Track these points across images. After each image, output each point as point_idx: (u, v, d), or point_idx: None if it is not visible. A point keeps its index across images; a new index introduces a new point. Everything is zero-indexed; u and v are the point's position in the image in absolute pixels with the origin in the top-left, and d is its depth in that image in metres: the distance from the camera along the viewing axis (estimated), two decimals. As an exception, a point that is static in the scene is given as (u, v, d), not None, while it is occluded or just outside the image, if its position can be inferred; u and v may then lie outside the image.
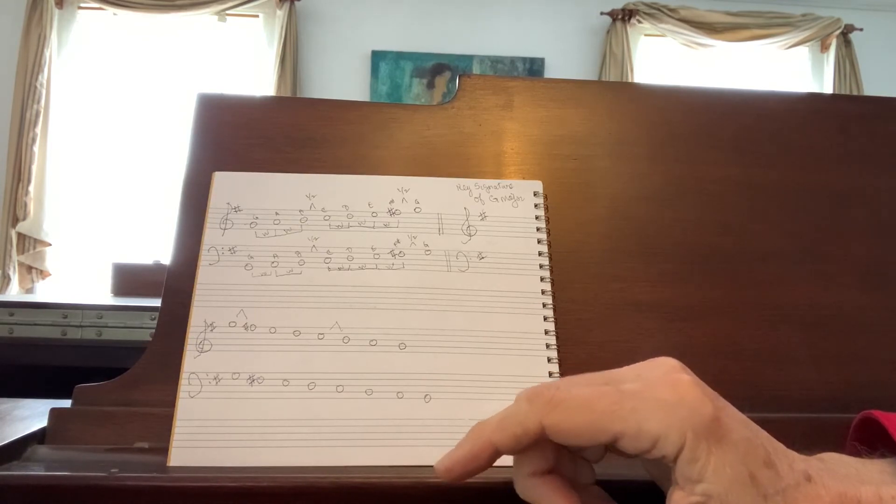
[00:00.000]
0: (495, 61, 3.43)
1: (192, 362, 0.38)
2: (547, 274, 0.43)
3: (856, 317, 0.45)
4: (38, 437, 0.38)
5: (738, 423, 0.25)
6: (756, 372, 0.43)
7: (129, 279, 2.09)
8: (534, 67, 3.44)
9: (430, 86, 3.39)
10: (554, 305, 0.42)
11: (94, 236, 3.23)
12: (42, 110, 3.13)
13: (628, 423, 0.25)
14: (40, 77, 3.12)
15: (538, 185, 0.46)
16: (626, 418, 0.25)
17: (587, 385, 0.27)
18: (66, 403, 0.40)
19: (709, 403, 0.25)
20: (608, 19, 3.47)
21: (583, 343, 0.43)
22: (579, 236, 0.46)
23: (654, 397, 0.25)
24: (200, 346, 0.39)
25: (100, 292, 2.47)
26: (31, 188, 3.10)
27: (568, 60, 3.48)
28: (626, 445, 0.25)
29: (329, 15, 3.40)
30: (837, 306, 0.46)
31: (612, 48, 3.43)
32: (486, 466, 0.27)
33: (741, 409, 0.26)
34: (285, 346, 0.39)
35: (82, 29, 3.30)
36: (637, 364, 0.27)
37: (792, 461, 0.25)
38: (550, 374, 0.40)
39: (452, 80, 3.35)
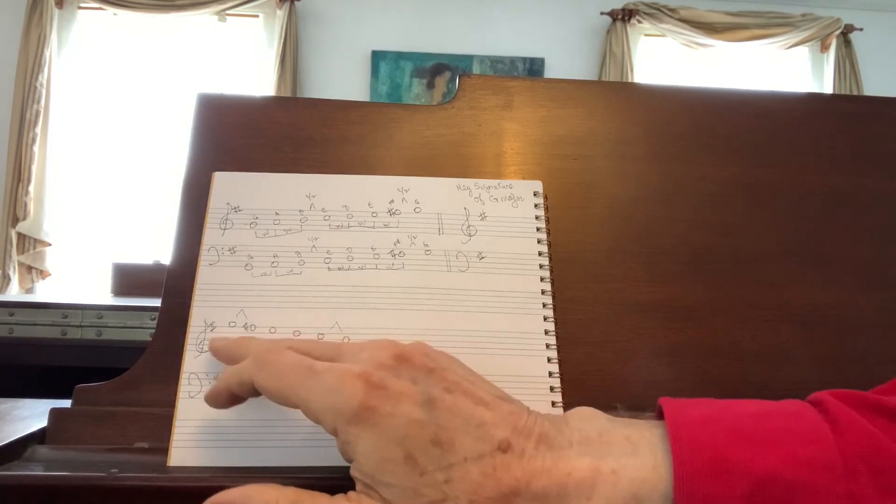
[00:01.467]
0: (495, 61, 3.43)
1: (192, 362, 0.38)
2: (547, 274, 0.43)
3: (856, 317, 0.45)
4: (38, 437, 0.38)
5: (410, 407, 0.26)
6: (756, 372, 0.43)
7: (129, 279, 2.09)
8: (534, 67, 3.44)
9: (430, 86, 3.39)
10: (554, 305, 0.42)
11: (94, 236, 3.23)
12: (42, 110, 3.13)
13: (301, 400, 0.28)
14: (40, 77, 3.12)
15: (538, 185, 0.46)
16: (301, 396, 0.28)
17: (304, 352, 0.30)
18: (66, 403, 0.40)
19: (360, 393, 0.26)
20: (608, 19, 3.47)
21: (583, 343, 0.43)
22: (579, 236, 0.46)
23: (323, 382, 0.27)
24: (200, 346, 0.39)
25: (100, 292, 2.47)
26: (31, 188, 3.10)
27: (568, 60, 3.48)
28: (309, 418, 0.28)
29: (329, 15, 3.40)
30: (837, 306, 0.46)
31: (612, 48, 3.43)
32: (229, 404, 0.32)
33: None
34: (285, 346, 0.39)
35: (82, 29, 3.30)
36: (366, 343, 0.30)
37: (488, 432, 0.25)
38: (550, 374, 0.40)
39: (452, 80, 3.35)
